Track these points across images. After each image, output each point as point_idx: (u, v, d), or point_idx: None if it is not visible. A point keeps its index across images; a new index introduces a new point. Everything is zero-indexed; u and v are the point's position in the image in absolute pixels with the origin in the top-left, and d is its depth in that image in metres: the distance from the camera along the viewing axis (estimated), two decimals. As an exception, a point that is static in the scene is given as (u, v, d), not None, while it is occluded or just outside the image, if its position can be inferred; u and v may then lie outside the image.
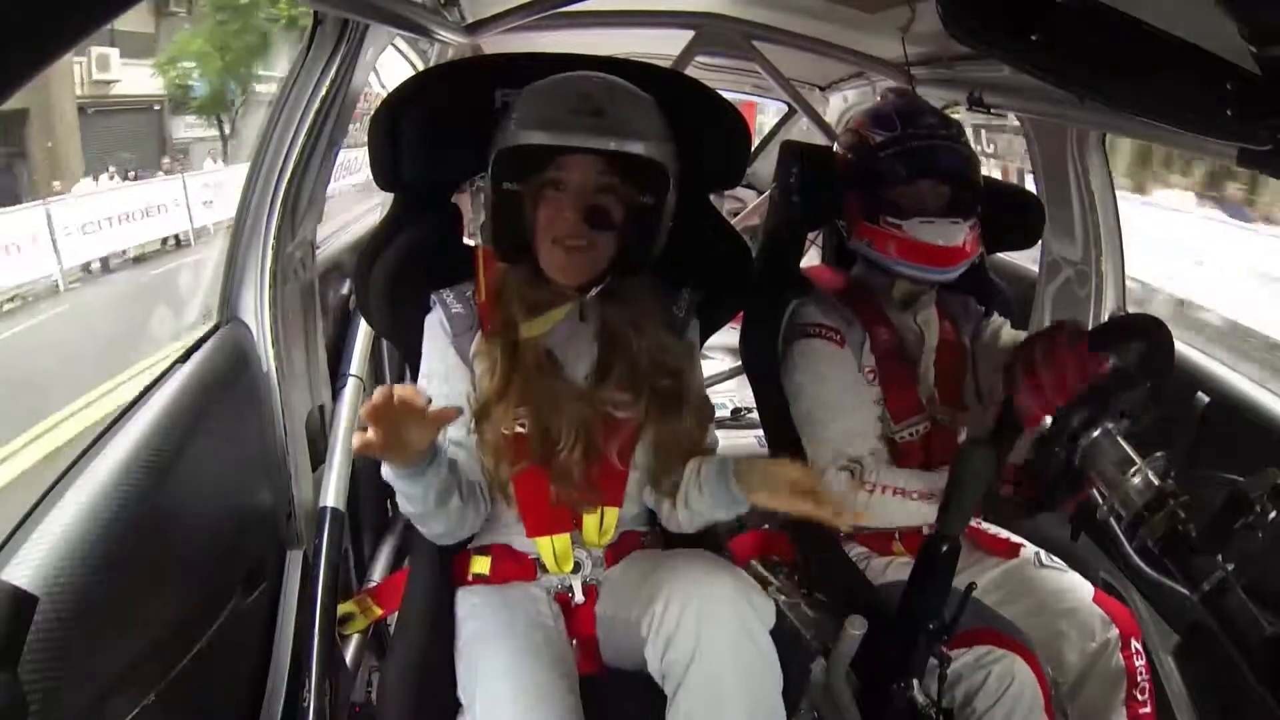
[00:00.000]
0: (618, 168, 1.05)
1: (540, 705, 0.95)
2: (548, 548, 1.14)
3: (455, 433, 1.12)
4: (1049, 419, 1.06)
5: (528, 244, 1.09)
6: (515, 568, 1.15)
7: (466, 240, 1.25)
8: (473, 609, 1.10)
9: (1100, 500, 1.06)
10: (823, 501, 0.97)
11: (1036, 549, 1.36)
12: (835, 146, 1.46)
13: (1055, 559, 1.34)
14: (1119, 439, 1.04)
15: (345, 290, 1.57)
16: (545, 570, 1.15)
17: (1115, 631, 1.22)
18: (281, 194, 1.17)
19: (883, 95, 1.54)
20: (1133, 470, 1.02)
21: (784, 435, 1.41)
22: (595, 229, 1.05)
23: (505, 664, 0.99)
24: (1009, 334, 1.47)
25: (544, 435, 1.09)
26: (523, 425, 1.09)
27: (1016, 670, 1.13)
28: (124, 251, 7.75)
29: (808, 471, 1.00)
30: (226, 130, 10.01)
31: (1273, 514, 0.91)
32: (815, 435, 1.35)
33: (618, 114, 1.03)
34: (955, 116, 1.49)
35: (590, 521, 1.14)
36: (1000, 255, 1.85)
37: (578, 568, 1.15)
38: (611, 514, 1.15)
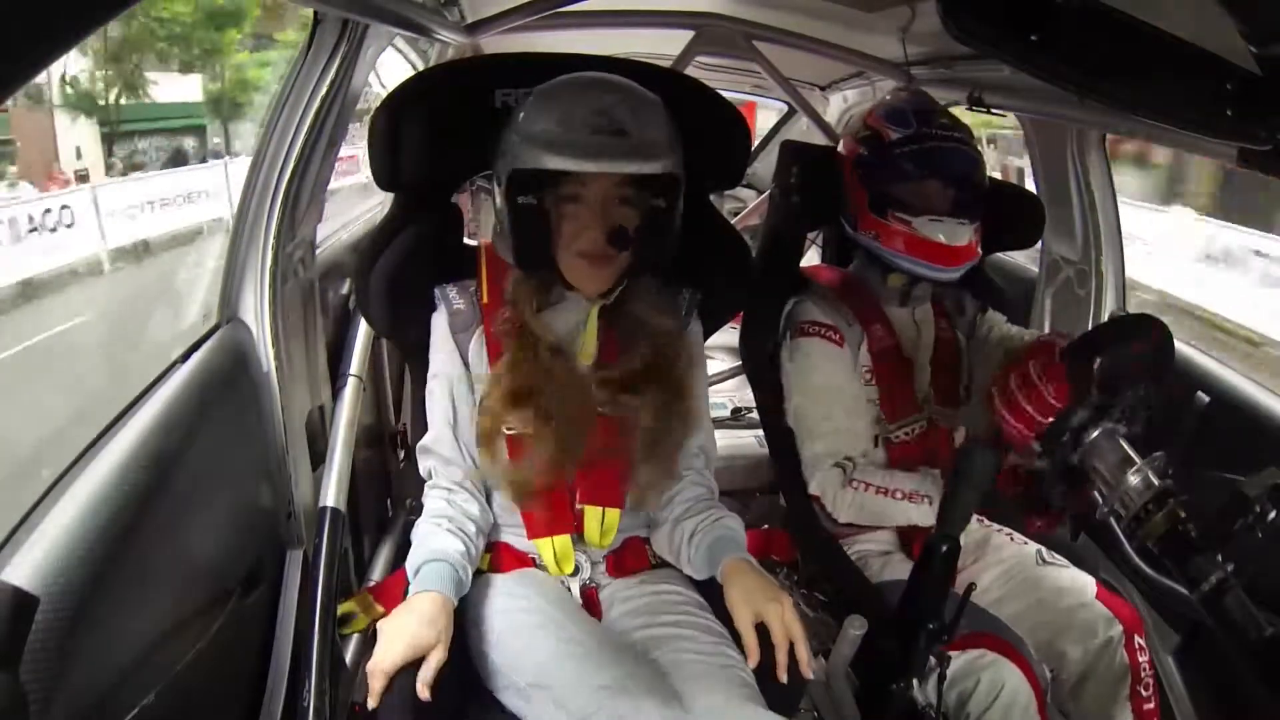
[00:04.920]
0: (637, 179, 1.05)
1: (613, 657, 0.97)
2: (548, 549, 1.14)
3: (450, 449, 1.12)
4: (1036, 443, 1.07)
5: (549, 255, 1.08)
6: (515, 564, 1.15)
7: (467, 240, 1.25)
8: (489, 597, 1.09)
9: (1100, 500, 1.06)
10: (782, 645, 0.99)
11: (1038, 546, 1.36)
12: (841, 141, 1.45)
13: (1056, 555, 1.34)
14: (1119, 439, 1.04)
15: (345, 290, 1.57)
16: (544, 571, 1.15)
17: (1118, 628, 1.22)
18: (281, 194, 1.17)
19: (892, 93, 1.55)
20: (1133, 470, 1.02)
21: (783, 435, 1.41)
22: (618, 248, 1.05)
23: (557, 638, 1.01)
24: (1002, 329, 1.47)
25: (550, 433, 1.09)
26: (527, 423, 1.09)
27: (1007, 676, 1.14)
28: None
29: (786, 611, 1.01)
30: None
31: (1273, 514, 0.91)
32: (808, 432, 1.36)
33: (641, 133, 1.01)
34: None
35: (591, 522, 1.14)
36: (1000, 255, 1.85)
37: (576, 570, 1.15)
38: (613, 515, 1.15)
